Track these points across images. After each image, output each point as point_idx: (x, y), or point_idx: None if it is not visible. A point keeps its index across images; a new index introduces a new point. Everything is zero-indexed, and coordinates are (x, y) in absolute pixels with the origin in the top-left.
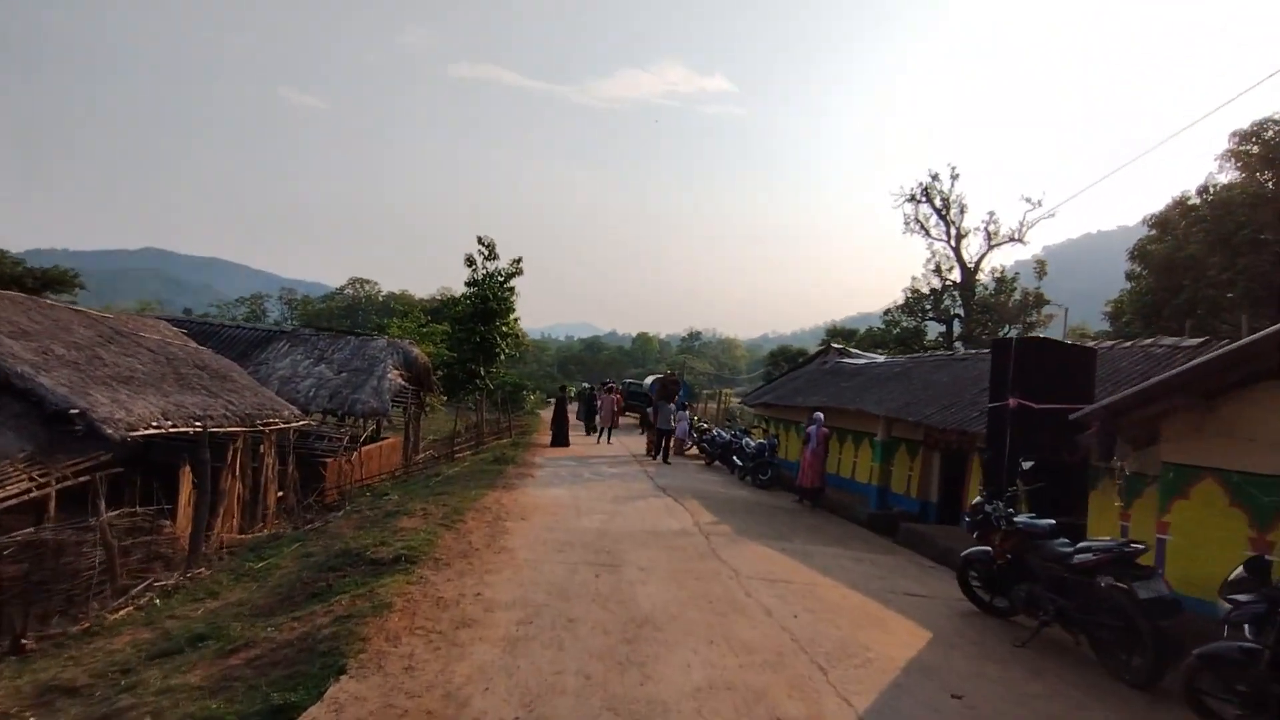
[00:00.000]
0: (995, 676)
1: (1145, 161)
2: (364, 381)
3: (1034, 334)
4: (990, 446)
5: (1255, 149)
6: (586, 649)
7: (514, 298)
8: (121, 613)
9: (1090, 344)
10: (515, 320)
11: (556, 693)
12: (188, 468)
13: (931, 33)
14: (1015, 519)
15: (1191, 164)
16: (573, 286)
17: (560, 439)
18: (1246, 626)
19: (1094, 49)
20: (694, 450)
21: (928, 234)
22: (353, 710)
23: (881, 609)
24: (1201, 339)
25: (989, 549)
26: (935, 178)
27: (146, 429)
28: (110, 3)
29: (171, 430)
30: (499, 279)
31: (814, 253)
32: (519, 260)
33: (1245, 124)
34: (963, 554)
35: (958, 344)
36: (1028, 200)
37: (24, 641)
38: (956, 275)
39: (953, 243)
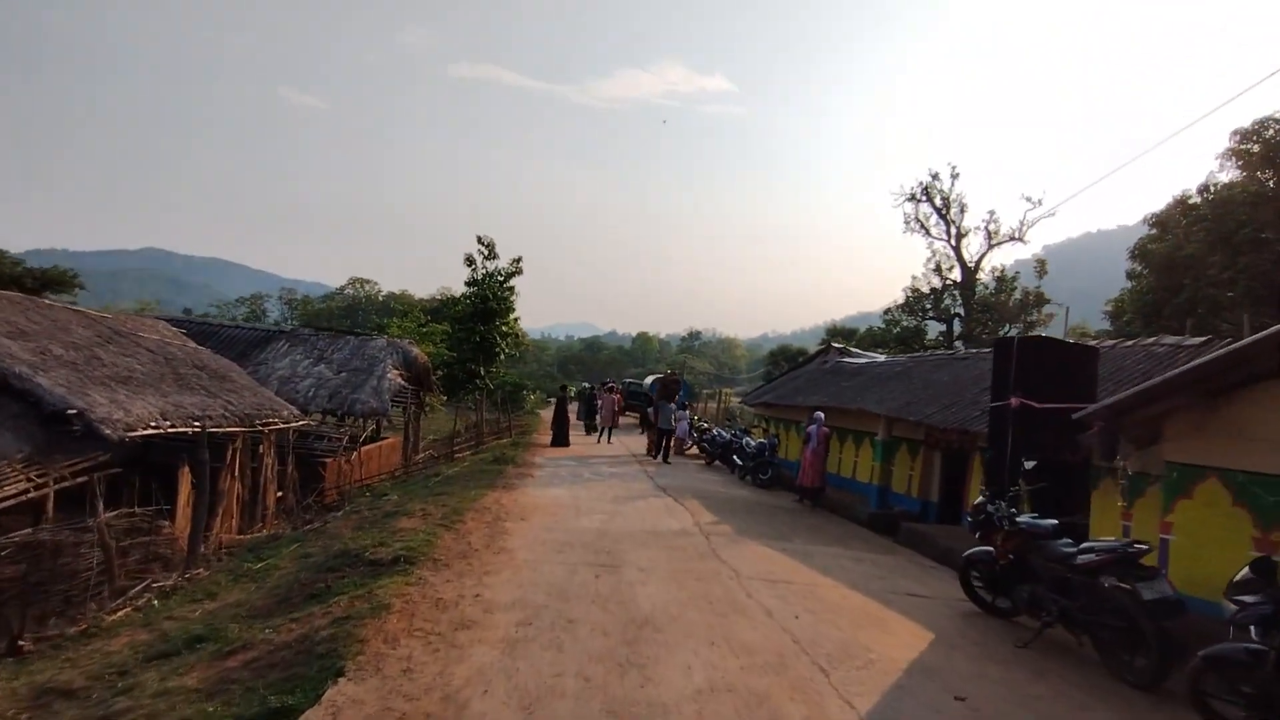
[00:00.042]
0: (998, 678)
1: (1145, 161)
2: (363, 381)
3: (1034, 333)
4: (992, 446)
5: (1256, 148)
6: (586, 651)
7: (514, 297)
8: (119, 614)
9: (1092, 343)
10: (515, 320)
11: (556, 695)
12: (186, 468)
13: (931, 33)
14: (1018, 519)
15: (1192, 163)
16: (573, 286)
17: (560, 439)
18: (1252, 628)
19: (1094, 49)
20: (694, 450)
21: (928, 233)
22: (350, 713)
23: (883, 609)
24: (1204, 338)
25: (991, 549)
26: (935, 177)
27: (145, 429)
28: (110, 3)
29: (170, 430)
30: (499, 279)
31: (814, 252)
32: (519, 260)
33: (1246, 123)
34: (964, 554)
35: (958, 343)
36: (1028, 199)
37: (21, 643)
38: (957, 274)
39: (953, 242)
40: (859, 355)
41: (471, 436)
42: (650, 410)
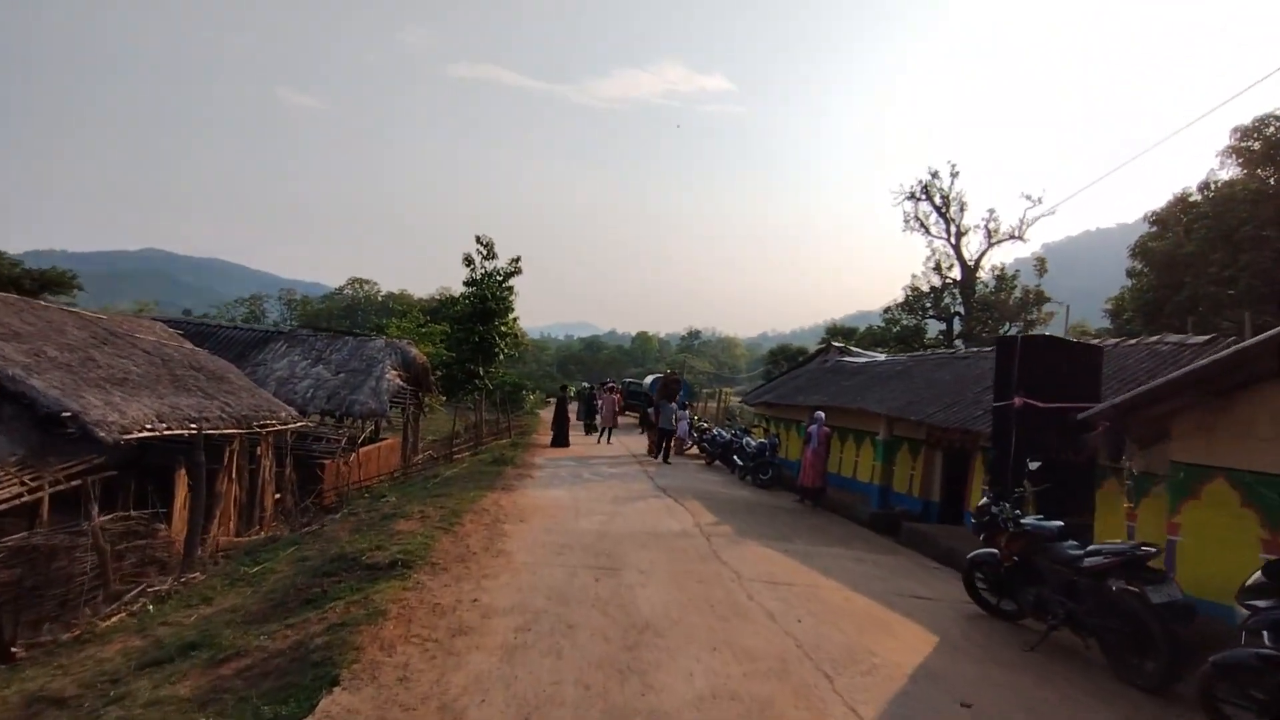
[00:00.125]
0: (1004, 682)
1: (1145, 159)
2: (362, 382)
3: (1034, 331)
4: (995, 447)
5: (1257, 145)
6: (586, 657)
7: (513, 297)
8: (114, 619)
9: (1094, 341)
10: (514, 320)
11: (555, 704)
12: (183, 470)
13: (931, 33)
14: (1023, 521)
15: (1191, 162)
16: (573, 286)
17: (560, 439)
18: (1265, 633)
19: (1094, 49)
20: (694, 450)
21: (928, 232)
22: None
23: (886, 612)
24: (1207, 337)
25: (995, 551)
26: (935, 175)
27: (140, 432)
28: (109, 3)
29: (166, 433)
30: (498, 278)
31: (813, 252)
32: (518, 259)
33: (1247, 120)
34: (969, 556)
35: (958, 342)
36: (1028, 198)
37: (14, 649)
38: (957, 273)
39: (953, 240)
40: (859, 354)
41: (471, 437)
42: (650, 410)
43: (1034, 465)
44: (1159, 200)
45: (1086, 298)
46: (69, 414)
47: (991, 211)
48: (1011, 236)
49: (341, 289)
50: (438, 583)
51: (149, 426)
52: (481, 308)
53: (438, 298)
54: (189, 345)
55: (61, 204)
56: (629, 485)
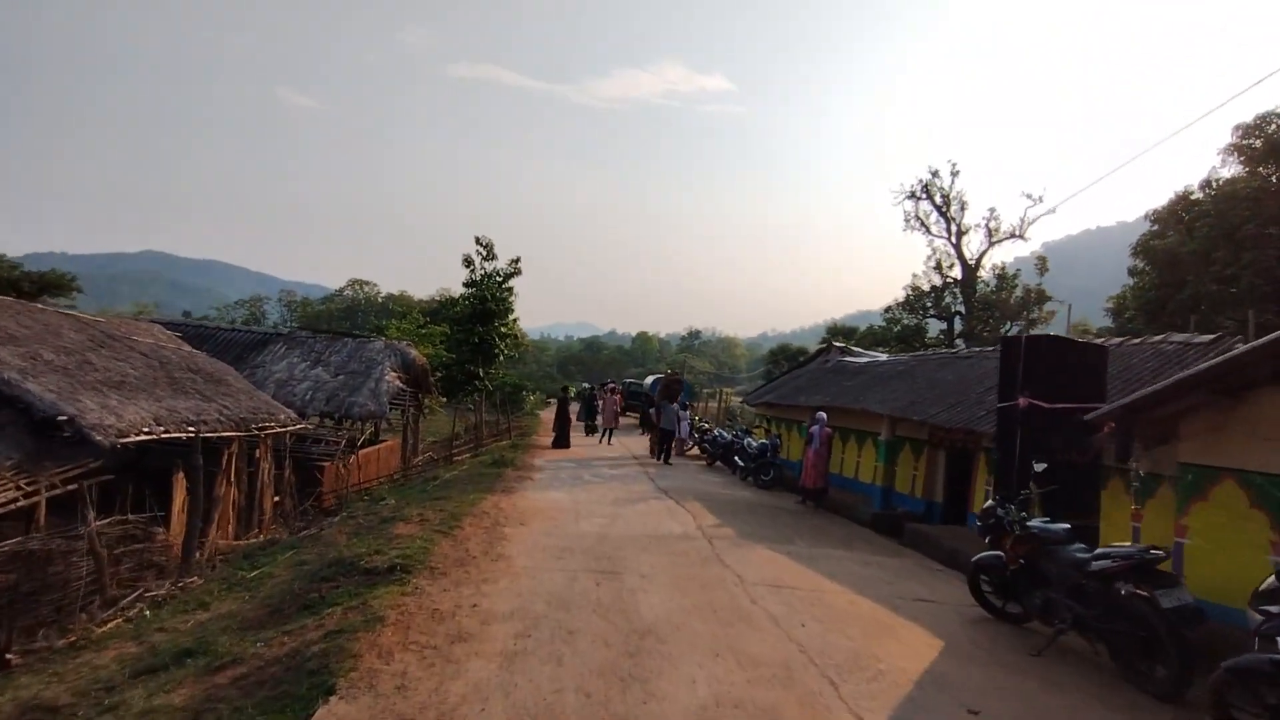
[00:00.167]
0: (1011, 688)
1: (1145, 158)
2: (361, 384)
3: (1035, 330)
4: (1000, 448)
5: (1258, 143)
6: (587, 664)
7: (512, 298)
8: (110, 625)
9: (1097, 341)
10: (514, 321)
11: (556, 713)
12: (181, 474)
13: (931, 33)
14: (1029, 523)
15: (1191, 161)
16: (573, 286)
17: (561, 440)
18: (1279, 639)
19: (1094, 49)
20: (695, 451)
21: (928, 231)
22: None
23: (891, 616)
24: (1213, 336)
25: (1001, 554)
26: (935, 174)
27: (138, 435)
28: (109, 3)
29: (164, 436)
30: (497, 279)
31: (814, 252)
32: (517, 260)
33: (1248, 118)
34: (974, 559)
35: (959, 341)
36: (1028, 196)
37: (9, 656)
38: (957, 272)
39: (953, 239)
40: (860, 354)
41: (470, 438)
42: (652, 411)
43: (1040, 467)
44: (1160, 199)
45: (1087, 296)
46: (65, 417)
47: (992, 210)
48: (1012, 235)
49: (341, 290)
50: (437, 588)
51: (146, 430)
52: (481, 309)
53: (437, 299)
54: (187, 348)
55: (61, 206)
56: (630, 487)
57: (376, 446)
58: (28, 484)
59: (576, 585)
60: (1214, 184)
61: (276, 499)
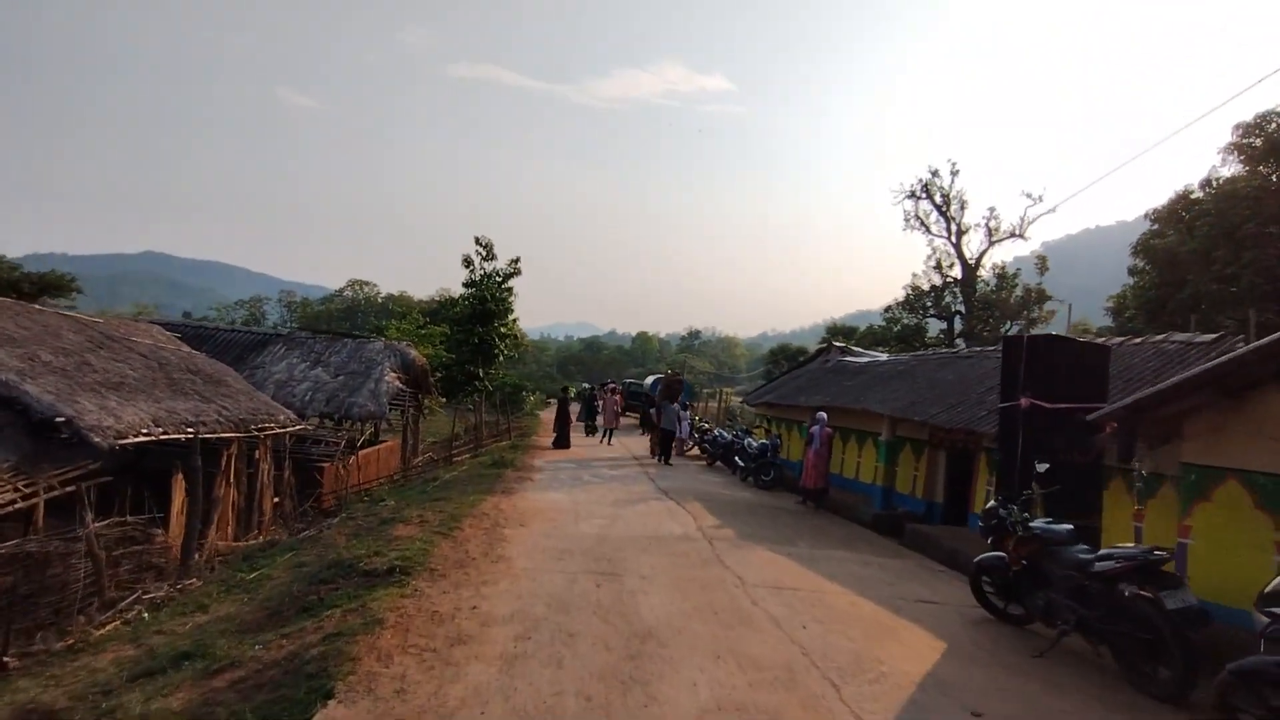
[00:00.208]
0: (1014, 690)
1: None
2: (361, 384)
3: (1036, 330)
4: (1002, 448)
5: (1258, 142)
6: (587, 667)
7: (512, 298)
8: (108, 627)
9: (1099, 340)
10: (514, 321)
11: (556, 717)
12: (180, 475)
13: (931, 33)
14: (1032, 524)
15: (1191, 160)
16: (572, 286)
17: (562, 441)
18: None
19: (1094, 49)
20: (695, 451)
21: (928, 230)
22: None
23: (893, 617)
24: (1215, 335)
25: (1003, 555)
26: (935, 174)
27: (136, 436)
28: (108, 4)
29: (163, 437)
30: (497, 280)
31: (813, 251)
32: (517, 260)
33: (1248, 117)
34: (976, 560)
35: (959, 341)
36: (1028, 195)
37: (6, 659)
38: (957, 271)
39: (953, 239)
40: (860, 354)
41: (470, 439)
42: (652, 411)
43: (1042, 467)
44: (1159, 198)
45: (1086, 296)
46: (63, 419)
47: (992, 210)
48: (1012, 235)
49: (341, 291)
50: (436, 590)
51: (145, 431)
52: (481, 309)
53: (437, 299)
54: (186, 348)
55: (61, 207)
56: (630, 487)
57: (376, 447)
58: (26, 486)
59: (576, 587)
60: (1214, 183)
61: (276, 500)
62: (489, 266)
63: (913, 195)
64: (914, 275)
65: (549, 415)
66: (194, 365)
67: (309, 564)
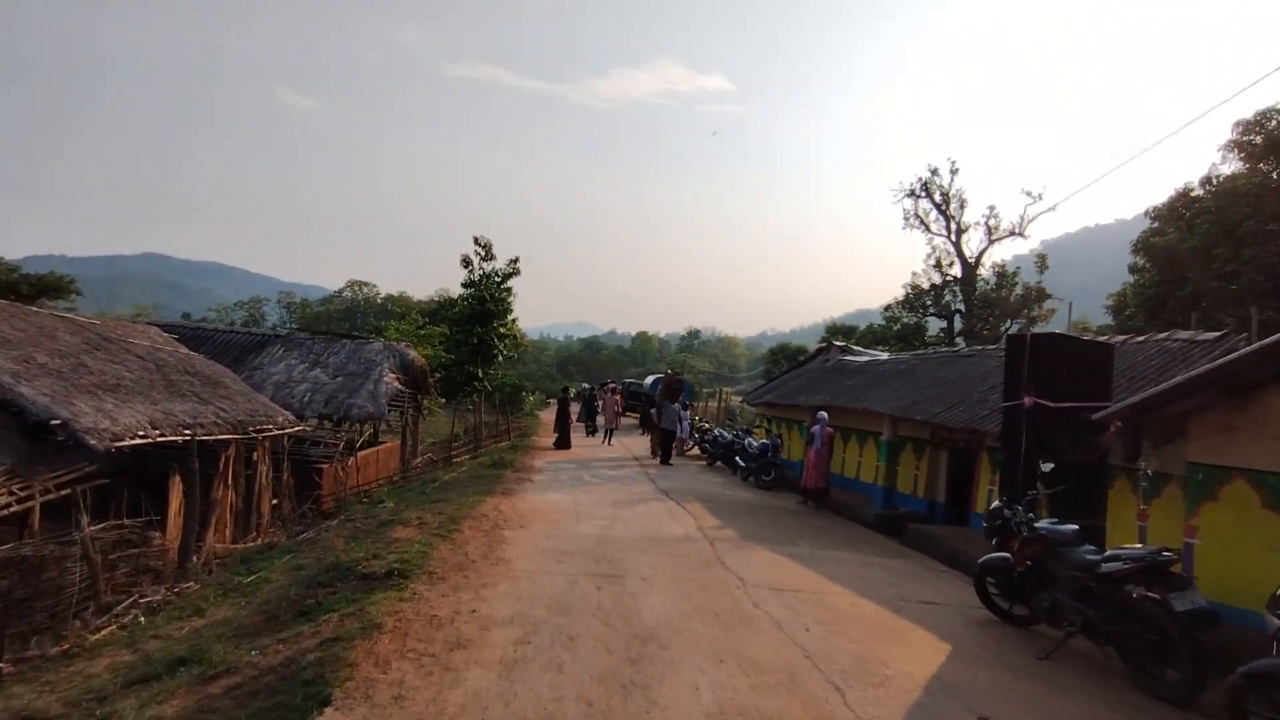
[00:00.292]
0: (1020, 693)
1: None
2: (360, 385)
3: (1036, 328)
4: (1005, 448)
5: (1258, 139)
6: (588, 671)
7: (511, 298)
8: (104, 632)
9: (1101, 339)
10: (513, 321)
11: None
12: (178, 477)
13: (931, 33)
14: (1037, 524)
15: (1191, 158)
16: (572, 286)
17: (563, 441)
18: None
19: (1094, 49)
20: (695, 451)
21: (928, 229)
22: None
23: (896, 619)
24: (1218, 333)
25: (1008, 555)
26: (935, 173)
27: (133, 438)
28: (109, 3)
29: (160, 439)
30: (496, 280)
31: (813, 251)
32: (516, 260)
33: (1248, 114)
34: (980, 560)
35: (959, 339)
36: (1028, 194)
37: (0, 665)
38: (957, 270)
39: (953, 238)
40: (860, 353)
41: (470, 440)
42: (653, 411)
43: (1047, 467)
44: (1159, 196)
45: (1086, 294)
46: (59, 421)
47: (992, 208)
48: (1012, 233)
49: (340, 291)
50: (435, 593)
51: (142, 433)
52: (480, 309)
53: (436, 299)
54: (184, 350)
55: (60, 208)
56: (630, 488)
57: (375, 448)
58: (21, 489)
59: (577, 589)
60: (1214, 180)
61: (274, 502)
62: (488, 267)
63: (912, 194)
64: (914, 274)
65: (549, 415)
66: (191, 367)
67: (307, 567)
